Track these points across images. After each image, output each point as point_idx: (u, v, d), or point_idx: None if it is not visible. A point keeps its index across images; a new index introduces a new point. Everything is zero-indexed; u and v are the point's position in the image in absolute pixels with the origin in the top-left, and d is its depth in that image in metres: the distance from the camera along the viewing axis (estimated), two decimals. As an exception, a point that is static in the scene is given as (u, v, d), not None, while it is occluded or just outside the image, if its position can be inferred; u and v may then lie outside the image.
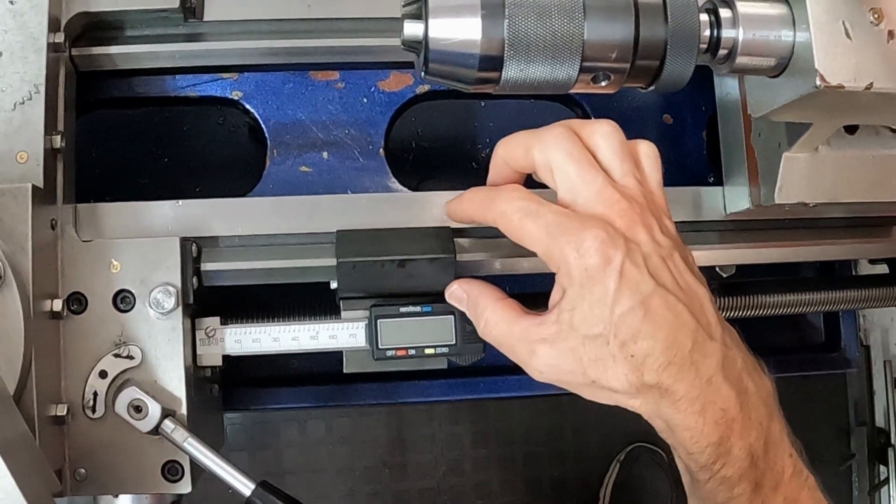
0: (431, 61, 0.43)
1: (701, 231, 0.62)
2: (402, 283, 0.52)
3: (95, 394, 0.50)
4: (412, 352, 0.54)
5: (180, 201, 0.55)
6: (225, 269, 0.55)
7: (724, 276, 0.64)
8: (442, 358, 0.54)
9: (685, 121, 0.66)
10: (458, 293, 0.50)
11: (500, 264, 0.56)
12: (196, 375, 0.54)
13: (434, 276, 0.52)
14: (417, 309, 0.53)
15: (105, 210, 0.55)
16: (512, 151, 0.46)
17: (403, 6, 0.43)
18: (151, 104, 0.63)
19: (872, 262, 0.74)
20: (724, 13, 0.45)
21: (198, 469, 0.51)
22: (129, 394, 0.50)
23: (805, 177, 0.53)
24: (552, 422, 1.27)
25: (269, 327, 0.55)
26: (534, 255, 0.44)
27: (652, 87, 0.45)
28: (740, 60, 0.45)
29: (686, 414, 0.42)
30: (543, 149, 0.44)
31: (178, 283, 0.52)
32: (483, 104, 0.68)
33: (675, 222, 0.60)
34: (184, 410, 0.51)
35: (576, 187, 0.43)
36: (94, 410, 0.50)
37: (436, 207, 0.57)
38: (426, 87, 0.62)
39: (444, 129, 0.69)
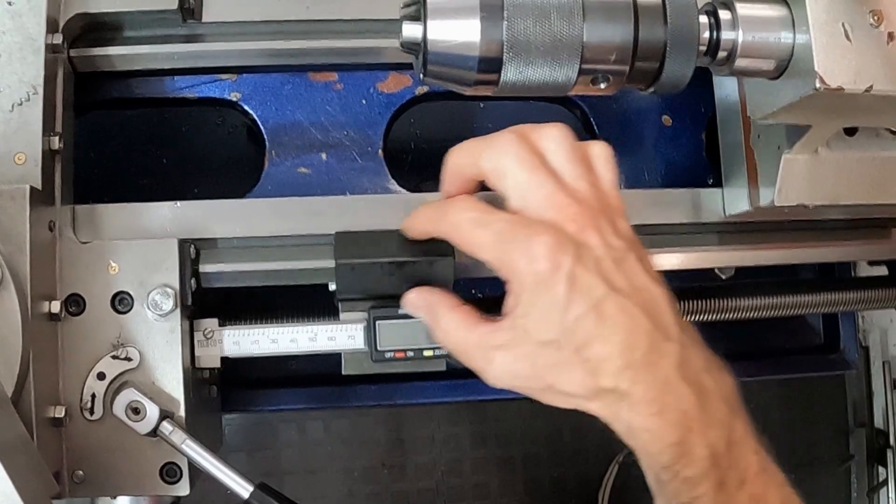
0: (430, 63, 0.42)
1: (700, 233, 0.62)
2: (402, 285, 0.52)
3: (94, 395, 0.50)
4: (411, 354, 0.54)
5: (179, 203, 0.55)
6: (223, 270, 0.55)
7: (724, 277, 0.64)
8: (441, 360, 0.54)
9: (685, 122, 0.65)
10: (416, 301, 0.50)
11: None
12: (194, 377, 0.54)
13: (433, 277, 0.52)
14: (416, 311, 0.53)
15: (103, 211, 0.54)
16: (461, 160, 0.46)
17: (402, 8, 0.43)
18: (150, 105, 0.62)
19: (872, 263, 0.74)
20: (724, 15, 0.45)
21: (196, 471, 0.51)
22: (128, 395, 0.50)
23: (804, 179, 0.53)
24: (551, 423, 1.27)
25: (267, 329, 0.55)
26: None
27: (651, 90, 0.45)
28: (740, 62, 0.45)
29: (644, 416, 0.41)
30: (492, 156, 0.44)
31: (177, 285, 0.51)
32: (482, 105, 0.68)
33: (675, 224, 0.61)
34: (182, 412, 0.51)
35: (526, 193, 0.43)
36: (92, 412, 0.50)
37: (435, 209, 0.57)
38: (425, 89, 0.61)
39: (442, 130, 0.69)
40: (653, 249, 0.60)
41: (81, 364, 0.50)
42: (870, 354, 1.24)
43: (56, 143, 0.50)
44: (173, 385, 0.51)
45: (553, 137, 0.45)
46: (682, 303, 0.64)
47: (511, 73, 0.42)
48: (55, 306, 0.49)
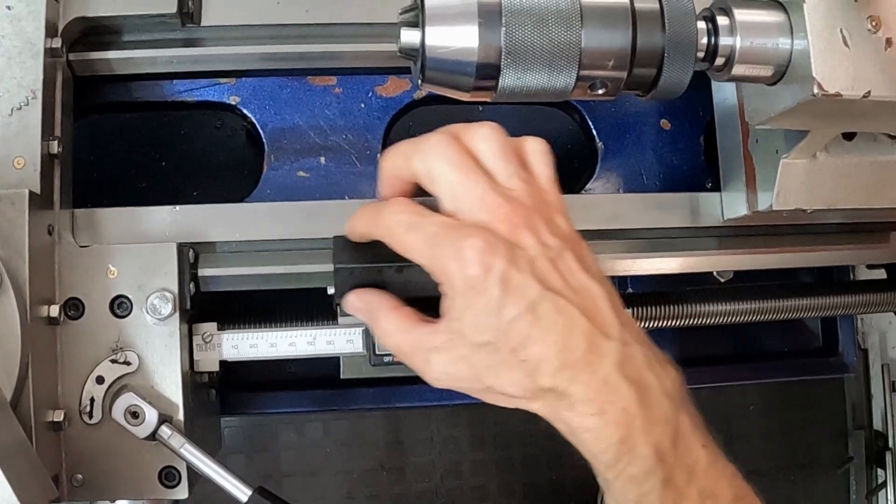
0: (428, 69, 0.42)
1: (699, 237, 0.62)
2: (400, 290, 0.51)
3: (92, 399, 0.50)
4: (409, 357, 0.54)
5: (177, 207, 0.55)
6: (222, 274, 0.55)
7: (722, 281, 0.64)
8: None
9: (683, 126, 0.65)
10: (355, 303, 0.49)
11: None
12: (193, 381, 0.54)
13: (432, 281, 0.52)
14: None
15: (102, 215, 0.54)
16: (394, 163, 0.45)
17: (400, 14, 0.43)
18: (149, 109, 0.62)
19: (870, 267, 0.74)
20: (722, 21, 0.45)
21: (195, 474, 0.51)
22: (126, 399, 0.50)
23: (803, 183, 0.53)
24: (550, 425, 1.27)
25: (266, 333, 0.55)
26: None
27: (649, 96, 0.45)
28: (738, 68, 0.45)
29: (584, 416, 0.41)
30: (423, 158, 0.43)
31: (175, 289, 0.51)
32: (481, 109, 0.68)
33: (673, 228, 0.61)
34: (181, 416, 0.51)
35: (458, 195, 0.43)
36: (90, 416, 0.50)
37: (433, 213, 0.57)
38: (424, 93, 0.62)
39: (441, 133, 0.69)
40: (651, 253, 0.60)
41: (80, 368, 0.50)
42: (869, 357, 1.24)
43: (55, 147, 0.50)
44: (172, 389, 0.51)
45: (484, 136, 0.44)
46: (680, 307, 0.64)
47: (509, 80, 0.42)
48: (54, 310, 0.49)
